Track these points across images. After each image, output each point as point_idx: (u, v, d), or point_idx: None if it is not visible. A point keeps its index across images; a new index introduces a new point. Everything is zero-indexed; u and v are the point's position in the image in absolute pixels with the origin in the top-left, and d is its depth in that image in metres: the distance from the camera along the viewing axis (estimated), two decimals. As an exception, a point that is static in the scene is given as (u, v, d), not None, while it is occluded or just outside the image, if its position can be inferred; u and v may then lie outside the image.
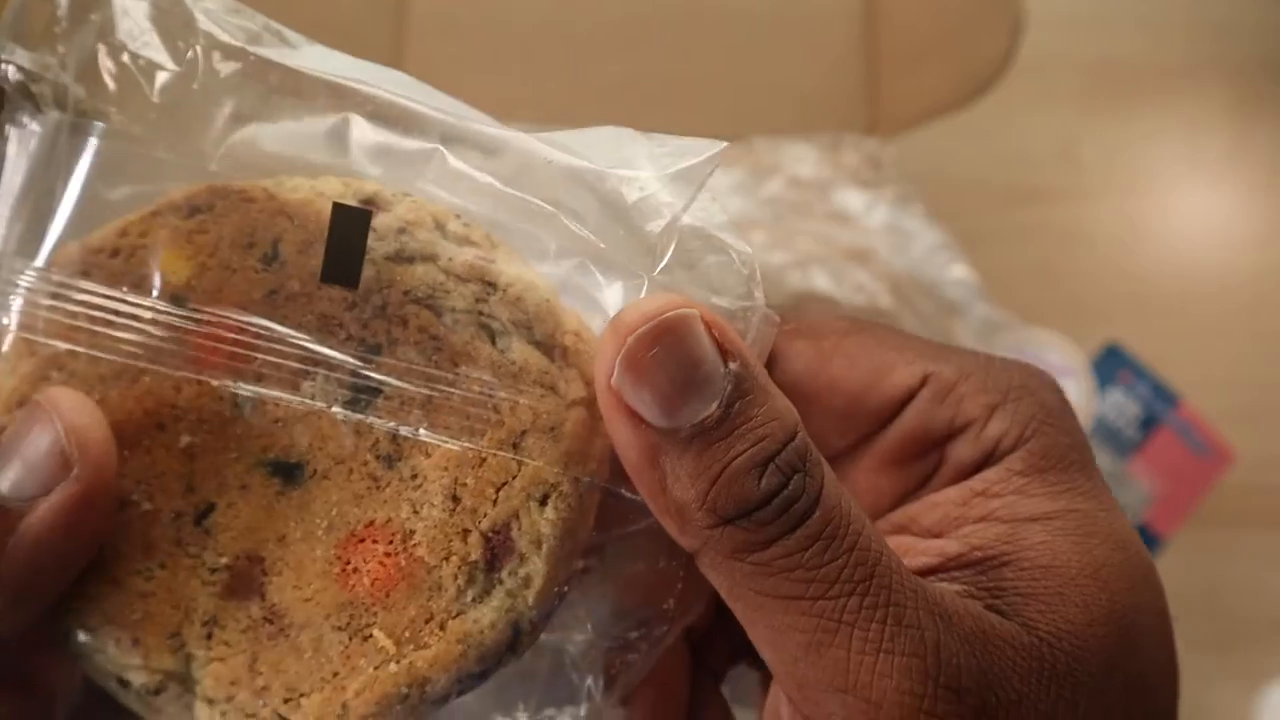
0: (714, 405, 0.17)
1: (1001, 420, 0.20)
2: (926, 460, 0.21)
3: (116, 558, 0.21)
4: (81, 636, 0.21)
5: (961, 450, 0.20)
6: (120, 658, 0.21)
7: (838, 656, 0.17)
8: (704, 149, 0.21)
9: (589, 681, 0.23)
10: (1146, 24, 0.70)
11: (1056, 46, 0.69)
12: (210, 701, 0.21)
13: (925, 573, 0.19)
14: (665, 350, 0.17)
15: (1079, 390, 0.64)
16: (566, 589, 0.21)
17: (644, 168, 0.21)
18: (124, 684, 0.21)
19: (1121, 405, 0.64)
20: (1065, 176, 0.68)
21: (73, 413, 0.19)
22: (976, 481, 0.20)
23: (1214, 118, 0.69)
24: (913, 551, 0.19)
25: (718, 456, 0.17)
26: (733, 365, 0.17)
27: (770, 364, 0.21)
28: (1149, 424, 0.64)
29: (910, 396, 0.21)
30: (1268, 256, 0.67)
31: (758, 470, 0.17)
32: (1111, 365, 0.65)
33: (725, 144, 0.21)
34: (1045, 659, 0.18)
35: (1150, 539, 0.63)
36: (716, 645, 0.25)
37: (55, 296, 0.21)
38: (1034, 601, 0.18)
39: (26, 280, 0.21)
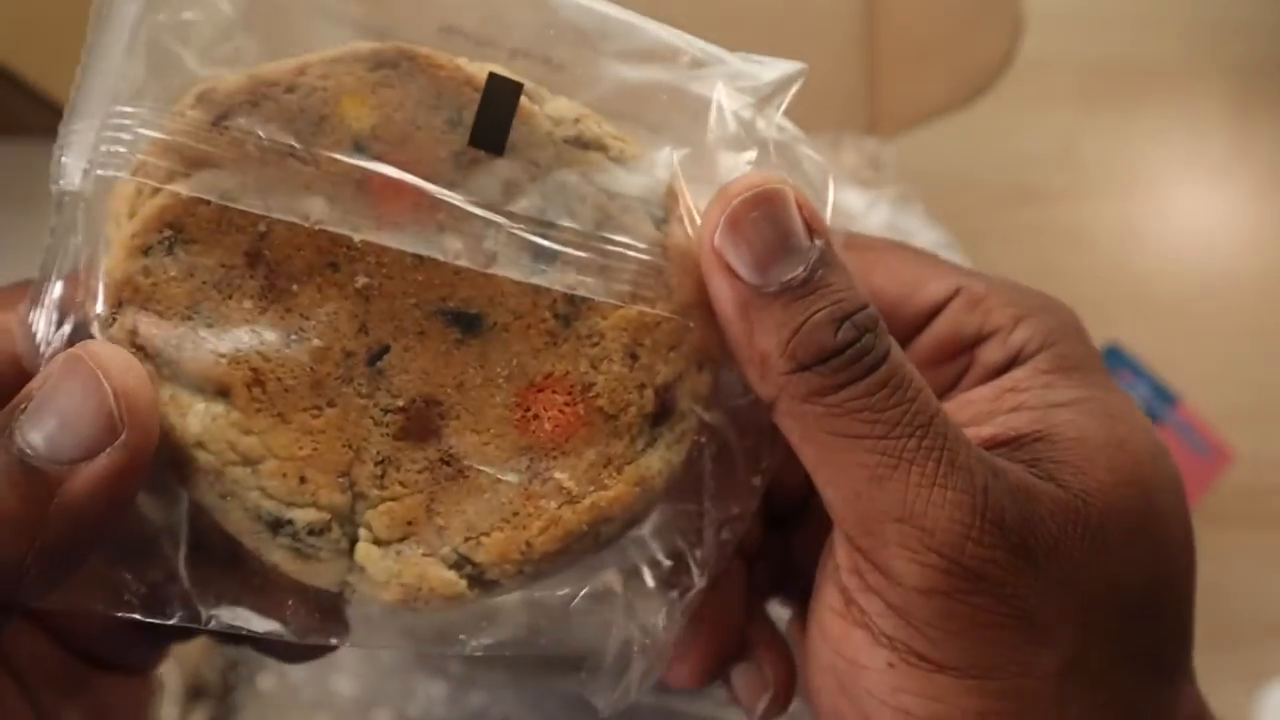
0: (800, 268, 0.19)
1: (1026, 328, 0.22)
2: (957, 363, 0.23)
3: (283, 393, 0.20)
4: (237, 471, 0.20)
5: (990, 353, 0.22)
6: (285, 494, 0.20)
7: (897, 489, 0.18)
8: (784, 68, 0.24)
9: (693, 552, 0.24)
10: (1147, 24, 0.71)
11: (1056, 47, 0.70)
12: (381, 543, 0.21)
13: None
14: (763, 215, 0.19)
15: (1079, 390, 0.64)
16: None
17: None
18: (279, 525, 0.21)
19: (1121, 405, 0.64)
20: (1065, 177, 0.68)
21: (122, 374, 0.18)
22: (1006, 380, 0.22)
23: (1214, 118, 0.69)
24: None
25: (800, 311, 0.19)
26: (818, 241, 0.19)
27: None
28: (1149, 424, 0.64)
29: (943, 306, 0.23)
30: (1268, 257, 0.67)
31: (835, 324, 0.19)
32: (1111, 365, 0.65)
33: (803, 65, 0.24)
34: (1079, 511, 0.19)
35: (1150, 539, 0.63)
36: (759, 573, 0.26)
37: (215, 126, 0.20)
38: (1066, 467, 0.20)
39: (158, 117, 0.20)
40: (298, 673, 0.56)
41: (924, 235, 0.47)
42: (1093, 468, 0.20)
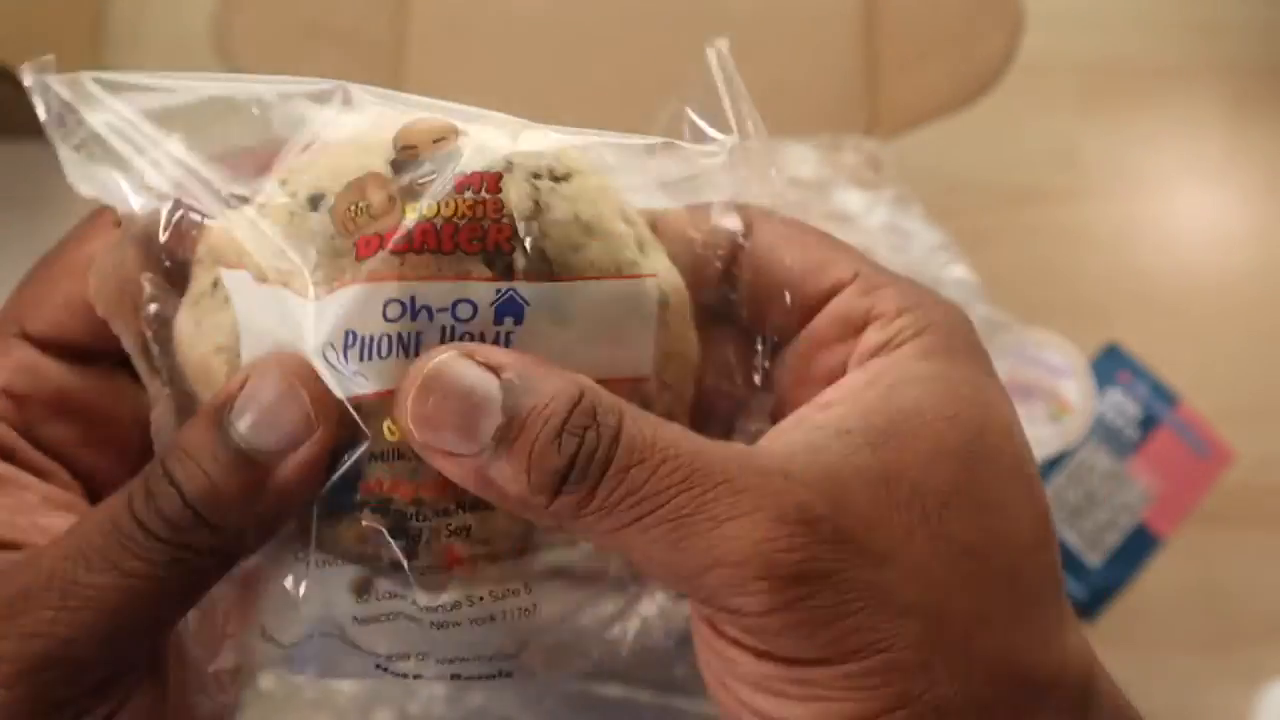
0: (499, 415, 0.19)
1: (907, 317, 0.22)
2: (847, 345, 0.23)
3: None
4: None
5: (871, 336, 0.23)
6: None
7: (694, 545, 0.19)
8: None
9: None
10: (1146, 25, 0.71)
11: (1056, 47, 0.70)
12: None
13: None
14: (439, 397, 0.19)
15: (1079, 390, 0.64)
16: None
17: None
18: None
19: (1121, 405, 0.64)
20: (1064, 177, 0.68)
21: (313, 381, 0.21)
22: (873, 362, 0.22)
23: (1214, 119, 0.69)
24: (808, 423, 0.22)
25: (522, 451, 0.19)
26: (504, 375, 0.19)
27: (750, 230, 0.24)
28: (1148, 424, 0.64)
29: (842, 287, 0.23)
30: (1267, 257, 0.67)
31: (555, 442, 0.19)
32: (1111, 365, 0.65)
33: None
34: (891, 485, 0.20)
35: (1150, 539, 0.63)
36: None
37: None
38: (892, 439, 0.20)
39: None
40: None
41: (923, 235, 0.48)
42: (916, 440, 0.20)
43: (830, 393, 0.22)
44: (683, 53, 0.54)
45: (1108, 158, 0.68)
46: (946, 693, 0.19)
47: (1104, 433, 0.64)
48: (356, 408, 0.20)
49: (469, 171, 0.20)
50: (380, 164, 0.21)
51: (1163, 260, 0.67)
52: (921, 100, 0.51)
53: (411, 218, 0.20)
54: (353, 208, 0.20)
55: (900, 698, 0.19)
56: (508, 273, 0.20)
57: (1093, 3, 0.71)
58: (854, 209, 0.48)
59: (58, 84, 0.22)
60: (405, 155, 0.21)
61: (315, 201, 0.21)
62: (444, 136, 0.21)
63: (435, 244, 0.20)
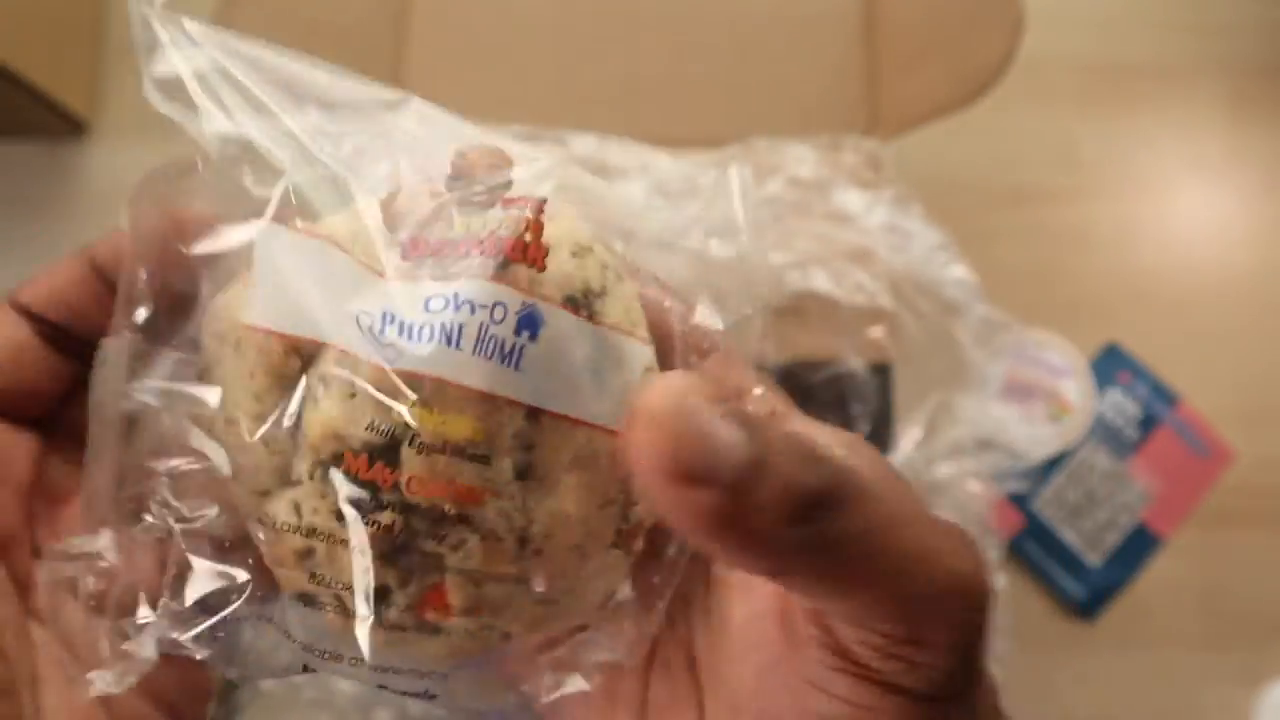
0: (746, 444, 0.17)
1: None
2: None
3: None
4: None
5: None
6: None
7: (924, 573, 0.19)
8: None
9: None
10: (1146, 25, 0.71)
11: (1056, 47, 0.70)
12: None
13: None
14: (693, 418, 0.17)
15: (1079, 390, 0.64)
16: None
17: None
18: None
19: (1121, 405, 0.64)
20: (1064, 177, 0.68)
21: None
22: None
23: (1213, 118, 0.69)
24: None
25: (779, 478, 0.17)
26: (735, 401, 0.18)
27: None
28: (1148, 424, 0.64)
29: None
30: (1267, 257, 0.67)
31: (807, 467, 0.17)
32: (1111, 365, 0.65)
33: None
34: None
35: (1150, 539, 0.63)
36: None
37: None
38: None
39: None
40: (298, 672, 0.55)
41: (924, 235, 0.48)
42: None
43: None
44: (683, 53, 0.54)
45: (1108, 158, 0.68)
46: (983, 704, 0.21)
47: (1104, 433, 0.64)
48: (386, 385, 0.20)
49: (518, 195, 0.22)
50: (437, 177, 0.22)
51: (1163, 260, 0.67)
52: (921, 100, 0.51)
53: (460, 230, 0.21)
54: (405, 212, 0.21)
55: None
56: (534, 289, 0.21)
57: (1093, 3, 0.71)
58: (854, 209, 0.48)
59: (156, 18, 0.22)
60: (458, 172, 0.22)
61: (360, 215, 0.22)
62: (497, 162, 0.23)
63: (479, 251, 0.21)
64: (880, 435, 0.48)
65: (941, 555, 0.19)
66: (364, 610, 0.20)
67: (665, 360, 0.24)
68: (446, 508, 0.20)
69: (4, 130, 0.66)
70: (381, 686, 0.22)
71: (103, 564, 0.22)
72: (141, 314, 0.22)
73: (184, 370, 0.22)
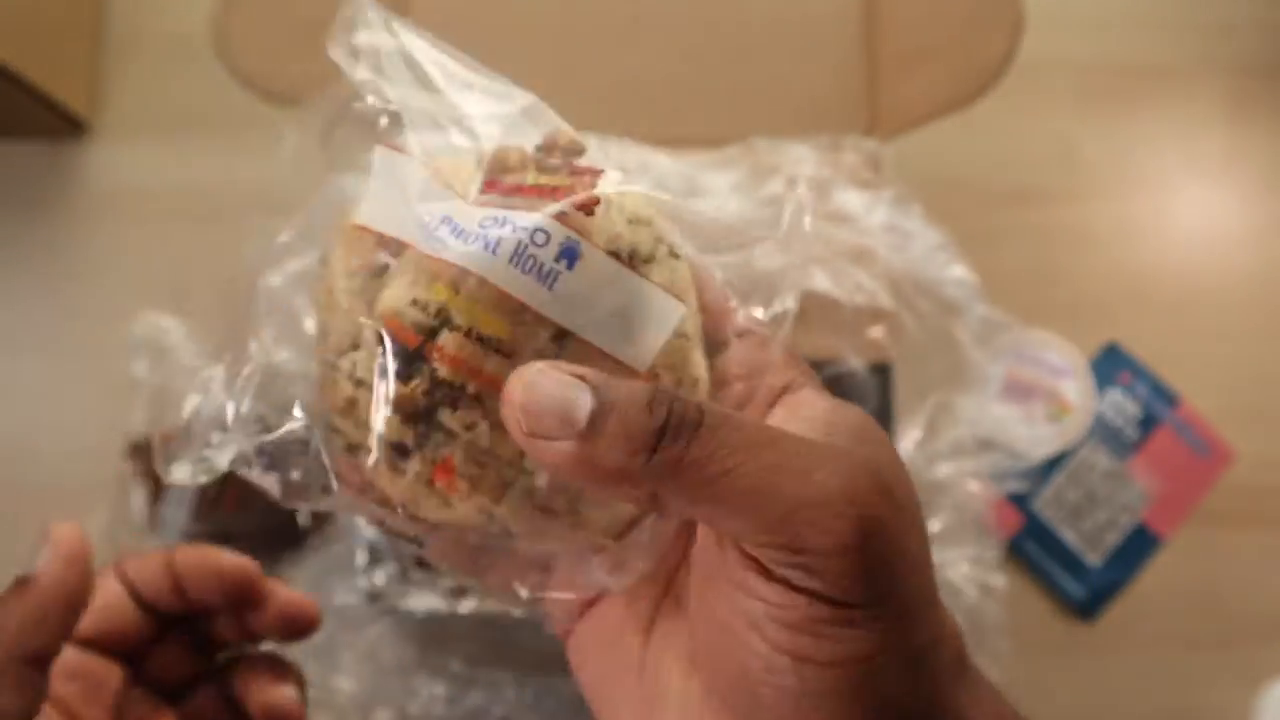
0: (591, 401, 0.22)
1: (792, 370, 0.27)
2: (749, 382, 0.28)
3: None
4: None
5: (773, 379, 0.27)
6: None
7: (785, 490, 0.22)
8: None
9: None
10: (1145, 25, 0.71)
11: (1056, 47, 0.70)
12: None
13: None
14: (541, 393, 0.22)
15: (1079, 390, 0.64)
16: None
17: None
18: None
19: (1121, 405, 0.64)
20: (1064, 177, 0.68)
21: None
22: (789, 397, 0.27)
23: (1212, 119, 0.69)
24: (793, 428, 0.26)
25: (618, 423, 0.22)
26: (588, 377, 0.23)
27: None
28: (1149, 424, 0.64)
29: (741, 334, 0.28)
30: (1267, 256, 0.67)
31: (646, 410, 0.22)
32: (1111, 365, 0.65)
33: None
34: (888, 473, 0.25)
35: (1150, 539, 0.63)
36: None
37: None
38: (866, 444, 0.25)
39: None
40: (298, 672, 0.56)
41: (923, 236, 0.48)
42: (880, 447, 0.25)
43: (780, 413, 0.26)
44: (684, 53, 0.54)
45: (1108, 158, 0.68)
46: (923, 638, 0.23)
47: (1104, 433, 0.64)
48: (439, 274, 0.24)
49: (584, 165, 0.27)
50: (528, 145, 0.27)
51: (1163, 260, 0.67)
52: (921, 100, 0.51)
53: (530, 179, 0.26)
54: (494, 159, 0.27)
55: (897, 641, 0.22)
56: (582, 231, 0.25)
57: (1093, 3, 0.71)
58: (854, 209, 0.48)
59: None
60: (546, 144, 0.27)
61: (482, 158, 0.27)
62: (575, 144, 0.27)
63: (537, 194, 0.25)
64: None
65: (806, 472, 0.22)
66: (376, 453, 0.25)
67: (717, 339, 0.28)
68: (468, 387, 0.24)
69: (4, 130, 0.66)
70: (382, 523, 0.27)
71: (212, 386, 0.27)
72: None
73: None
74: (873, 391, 0.47)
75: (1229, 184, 0.68)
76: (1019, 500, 0.63)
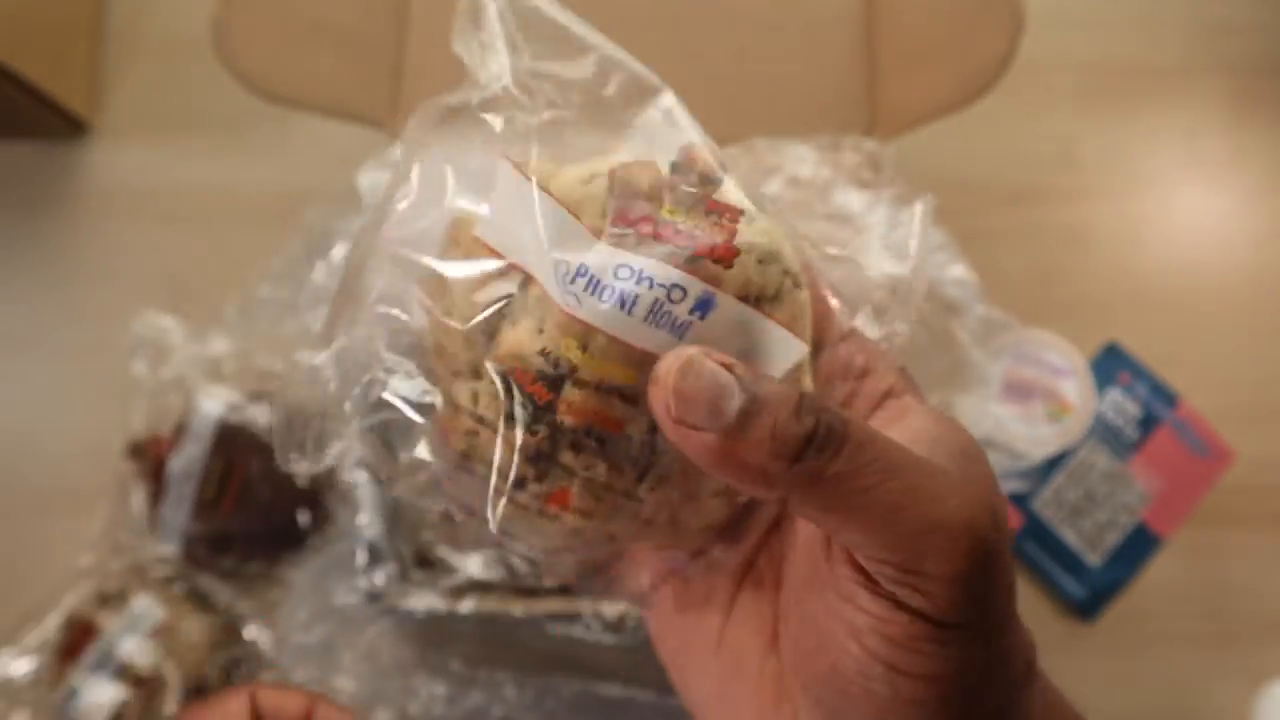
0: (741, 396, 0.22)
1: (895, 375, 0.28)
2: (848, 383, 0.28)
3: None
4: None
5: (873, 382, 0.28)
6: None
7: (919, 513, 0.22)
8: None
9: None
10: (1146, 24, 0.71)
11: (1056, 47, 0.70)
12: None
13: None
14: (694, 379, 0.23)
15: (1079, 390, 0.64)
16: None
17: None
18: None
19: (1121, 405, 0.64)
20: (1065, 177, 0.68)
21: None
22: (893, 403, 0.27)
23: (1213, 118, 0.69)
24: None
25: (766, 423, 0.22)
26: (736, 371, 0.23)
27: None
28: (1148, 424, 0.64)
29: (846, 336, 0.29)
30: (1267, 256, 0.67)
31: (796, 417, 0.22)
32: (1111, 365, 0.65)
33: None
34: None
35: (1150, 538, 0.63)
36: None
37: None
38: (972, 465, 0.25)
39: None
40: (298, 672, 0.56)
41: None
42: (982, 466, 0.25)
43: (882, 417, 0.27)
44: (684, 53, 0.54)
45: (1108, 158, 0.68)
46: (1003, 650, 0.24)
47: (1104, 432, 0.64)
48: (569, 329, 0.25)
49: (721, 200, 0.26)
50: (662, 162, 0.26)
51: (1163, 260, 0.67)
52: (921, 101, 0.51)
53: (665, 214, 0.25)
54: (626, 183, 0.26)
55: (985, 655, 0.24)
56: (716, 281, 0.25)
57: (1093, 3, 0.71)
58: (854, 209, 0.48)
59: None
60: (682, 165, 0.26)
61: (595, 176, 0.26)
62: (710, 168, 0.26)
63: (674, 237, 0.25)
64: None
65: (935, 500, 0.23)
66: (504, 489, 0.25)
67: (821, 338, 0.28)
68: (589, 432, 0.25)
69: (4, 130, 0.66)
70: (501, 541, 0.27)
71: (326, 375, 0.27)
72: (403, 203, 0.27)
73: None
74: None
75: (1229, 184, 0.68)
76: (1019, 500, 0.63)
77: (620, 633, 0.48)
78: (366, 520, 0.48)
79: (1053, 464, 0.63)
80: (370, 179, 0.50)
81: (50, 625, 0.55)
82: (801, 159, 0.49)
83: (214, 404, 0.55)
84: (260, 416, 0.55)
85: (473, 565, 0.50)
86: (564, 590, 0.51)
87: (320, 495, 0.56)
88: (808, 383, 0.27)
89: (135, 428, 0.58)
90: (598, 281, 0.24)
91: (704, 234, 0.25)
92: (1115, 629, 0.62)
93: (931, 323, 0.47)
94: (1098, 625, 0.62)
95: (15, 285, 0.65)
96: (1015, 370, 0.63)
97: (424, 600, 0.48)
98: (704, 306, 0.25)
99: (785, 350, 0.26)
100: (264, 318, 0.53)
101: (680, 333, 0.25)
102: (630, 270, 0.24)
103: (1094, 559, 0.62)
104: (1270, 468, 0.64)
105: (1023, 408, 0.63)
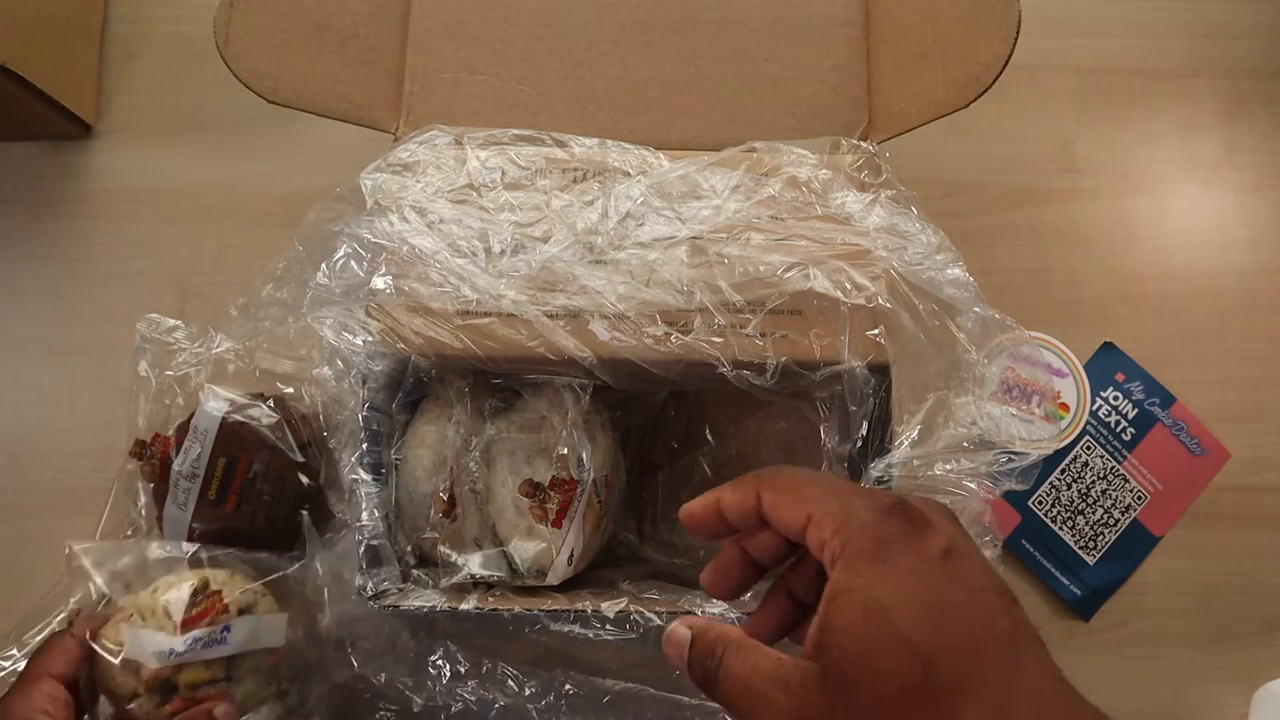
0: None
1: (831, 541, 0.32)
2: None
3: None
4: None
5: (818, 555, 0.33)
6: None
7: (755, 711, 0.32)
8: None
9: None
10: (1141, 27, 0.71)
11: (1053, 49, 0.70)
12: None
13: None
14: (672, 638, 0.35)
15: (1075, 389, 0.64)
16: None
17: None
18: None
19: (1116, 405, 0.64)
20: (1061, 178, 0.68)
21: None
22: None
23: (1208, 120, 0.70)
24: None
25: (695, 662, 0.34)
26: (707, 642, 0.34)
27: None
28: (1144, 423, 0.64)
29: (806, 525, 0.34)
30: (1261, 257, 0.68)
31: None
32: (1107, 365, 0.65)
33: None
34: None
35: (1145, 537, 0.63)
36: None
37: None
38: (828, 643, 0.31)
39: None
40: (301, 670, 0.56)
41: (922, 237, 0.48)
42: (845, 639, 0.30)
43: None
44: (683, 56, 0.55)
45: (1104, 159, 0.69)
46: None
47: (1100, 432, 0.64)
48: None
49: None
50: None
51: (1159, 261, 0.67)
52: (918, 103, 0.51)
53: None
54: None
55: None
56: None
57: (1088, 6, 0.71)
58: (853, 209, 0.48)
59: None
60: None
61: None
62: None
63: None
64: (878, 434, 0.48)
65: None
66: None
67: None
68: None
69: (10, 132, 0.66)
70: None
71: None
72: None
73: None
74: (871, 391, 0.48)
75: (1225, 185, 0.69)
76: (1016, 499, 0.63)
77: (621, 629, 0.48)
78: (367, 520, 0.48)
79: (1049, 463, 0.64)
80: (373, 179, 0.50)
81: (53, 626, 0.55)
82: (800, 161, 0.50)
83: (218, 404, 0.55)
84: (263, 416, 0.56)
85: (474, 564, 0.50)
86: (564, 588, 0.52)
87: (322, 495, 0.56)
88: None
89: (139, 427, 0.58)
90: None
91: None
92: (1111, 628, 0.62)
93: (928, 323, 0.48)
94: (1094, 624, 0.62)
95: (20, 285, 0.65)
96: (1012, 370, 0.64)
97: (425, 599, 0.48)
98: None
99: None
100: (266, 318, 0.53)
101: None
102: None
103: (1090, 557, 0.63)
104: (1265, 467, 0.64)
105: (1019, 407, 0.63)
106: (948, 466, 0.49)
